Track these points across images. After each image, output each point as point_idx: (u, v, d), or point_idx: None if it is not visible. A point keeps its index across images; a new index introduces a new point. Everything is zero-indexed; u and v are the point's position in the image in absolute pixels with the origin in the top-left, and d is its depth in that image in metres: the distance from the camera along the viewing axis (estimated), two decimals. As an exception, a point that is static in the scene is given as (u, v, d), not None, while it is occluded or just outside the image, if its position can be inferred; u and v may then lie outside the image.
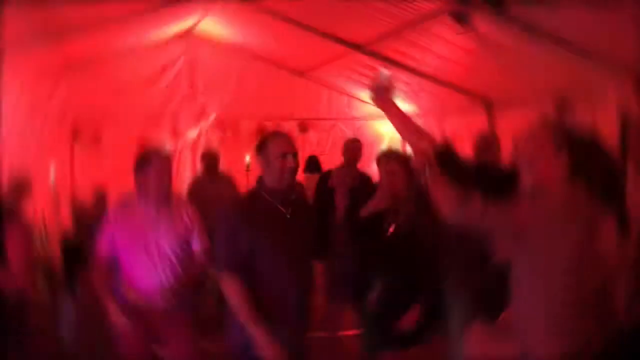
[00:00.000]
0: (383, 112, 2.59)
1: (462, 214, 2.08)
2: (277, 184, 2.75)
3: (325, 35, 6.68)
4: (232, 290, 2.67)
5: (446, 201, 2.13)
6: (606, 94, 5.12)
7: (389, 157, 3.48)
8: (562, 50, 4.83)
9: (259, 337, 2.61)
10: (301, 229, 2.85)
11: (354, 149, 5.47)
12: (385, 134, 9.17)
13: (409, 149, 7.60)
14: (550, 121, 2.15)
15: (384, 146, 8.87)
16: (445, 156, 2.47)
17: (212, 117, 8.35)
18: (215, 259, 2.80)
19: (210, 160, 6.20)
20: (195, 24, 8.14)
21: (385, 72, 2.49)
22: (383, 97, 2.51)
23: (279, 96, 8.85)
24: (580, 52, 4.82)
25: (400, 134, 2.63)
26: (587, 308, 1.96)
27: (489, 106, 7.03)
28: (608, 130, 5.27)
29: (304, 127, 8.73)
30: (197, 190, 6.46)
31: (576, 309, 1.96)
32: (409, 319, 3.28)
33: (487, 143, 4.22)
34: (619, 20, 4.10)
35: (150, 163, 3.21)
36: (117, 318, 3.11)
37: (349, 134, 8.68)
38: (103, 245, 3.24)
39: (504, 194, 2.23)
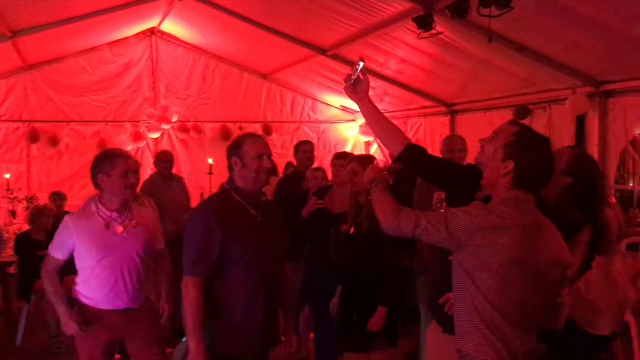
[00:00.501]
0: (357, 104, 2.56)
1: (395, 226, 2.10)
2: (251, 185, 2.70)
3: (290, 38, 6.69)
4: (190, 297, 2.60)
5: (381, 213, 2.14)
6: (563, 99, 5.28)
7: (350, 158, 3.49)
8: (522, 57, 4.95)
9: (195, 352, 2.57)
10: (272, 232, 2.82)
11: (306, 151, 5.46)
12: (350, 137, 9.23)
13: (373, 150, 7.60)
14: (510, 127, 2.12)
15: (348, 148, 8.95)
16: (415, 153, 2.50)
17: (175, 119, 8.25)
18: (183, 262, 2.74)
19: (163, 161, 6.11)
20: (158, 25, 8.06)
21: (361, 63, 2.45)
22: (357, 88, 2.49)
23: (242, 98, 8.83)
24: (539, 59, 4.95)
25: (372, 128, 2.62)
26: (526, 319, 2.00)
27: (451, 109, 7.15)
28: (566, 133, 5.47)
29: (267, 130, 8.71)
30: (149, 191, 6.36)
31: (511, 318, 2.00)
32: (376, 321, 3.29)
33: (454, 144, 4.28)
34: (577, 30, 4.23)
35: (114, 164, 3.12)
36: (69, 322, 3.02)
37: (313, 137, 8.71)
38: (59, 248, 3.15)
39: (468, 194, 2.27)
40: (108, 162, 3.09)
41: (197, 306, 2.61)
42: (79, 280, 3.16)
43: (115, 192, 3.10)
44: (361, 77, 2.45)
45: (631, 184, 6.19)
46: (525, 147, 2.09)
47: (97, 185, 3.12)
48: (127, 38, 8.21)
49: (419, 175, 2.66)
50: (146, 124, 8.27)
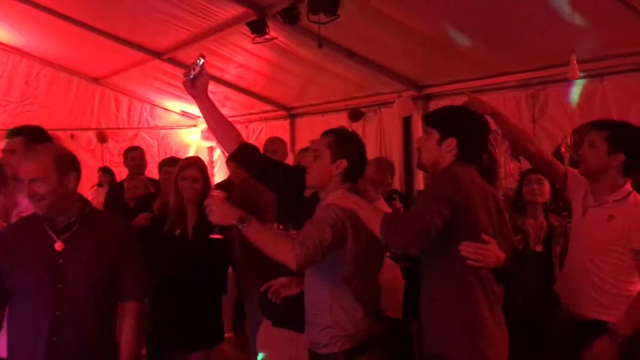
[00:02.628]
0: (194, 100, 2.53)
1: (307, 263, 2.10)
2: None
3: (122, 41, 6.39)
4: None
5: (281, 254, 2.08)
6: (391, 102, 5.66)
7: (190, 165, 3.44)
8: (352, 63, 5.22)
9: None
10: (76, 265, 2.54)
11: (133, 158, 5.29)
12: (192, 142, 9.05)
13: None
14: (324, 137, 2.31)
15: (191, 154, 8.75)
16: (248, 152, 2.55)
17: (-5, 127, 7.48)
18: None
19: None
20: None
21: (201, 59, 2.42)
22: (196, 84, 2.45)
23: (73, 104, 8.26)
24: (368, 65, 5.25)
25: (209, 125, 2.62)
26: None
27: (290, 113, 7.31)
28: (394, 133, 5.86)
29: (102, 137, 8.24)
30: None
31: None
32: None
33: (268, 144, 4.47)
34: (399, 38, 4.56)
35: None
36: None
37: (153, 144, 8.43)
38: None
39: (296, 193, 2.40)
40: None
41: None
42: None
43: None
44: (201, 73, 2.44)
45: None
46: (349, 145, 2.29)
47: None
48: None
49: (251, 173, 2.70)
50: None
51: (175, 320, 3.19)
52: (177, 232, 3.24)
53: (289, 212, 2.47)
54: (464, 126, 2.19)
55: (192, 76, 2.44)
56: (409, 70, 5.31)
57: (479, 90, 4.88)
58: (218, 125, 2.58)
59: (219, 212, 2.14)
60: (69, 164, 2.22)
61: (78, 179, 2.26)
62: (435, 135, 2.18)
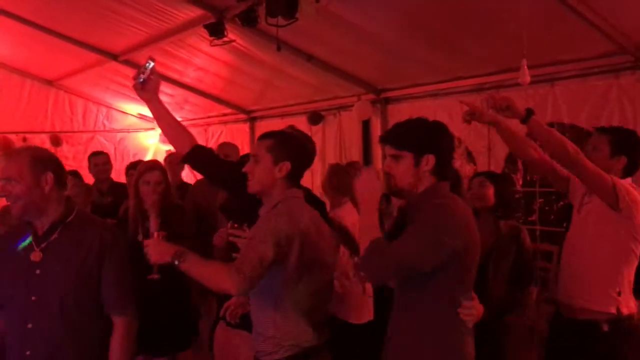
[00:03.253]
0: (147, 105, 2.51)
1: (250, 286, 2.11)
2: None
3: (77, 42, 6.25)
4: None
5: (219, 283, 2.07)
6: (350, 105, 5.70)
7: (152, 168, 3.41)
8: (311, 66, 5.23)
9: None
10: (52, 276, 2.50)
11: (97, 164, 5.21)
12: (150, 145, 8.92)
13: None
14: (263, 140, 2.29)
15: (149, 157, 8.62)
16: (201, 154, 2.55)
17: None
18: None
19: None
20: None
21: (151, 62, 2.40)
22: (147, 87, 2.43)
23: (25, 107, 8.04)
24: (326, 68, 5.28)
25: (161, 128, 2.60)
26: None
27: (250, 116, 7.28)
28: (354, 136, 5.90)
29: (56, 141, 8.04)
30: None
31: None
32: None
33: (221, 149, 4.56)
34: (357, 41, 4.60)
35: None
36: None
37: (110, 147, 8.26)
38: None
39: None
40: None
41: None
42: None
43: None
44: (151, 76, 2.43)
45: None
46: (290, 145, 2.26)
47: None
48: None
49: (204, 175, 2.70)
50: None
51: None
52: (139, 237, 3.17)
53: (243, 211, 2.46)
54: (438, 140, 2.10)
55: (141, 79, 2.43)
56: (368, 74, 5.36)
57: (435, 94, 4.98)
58: (170, 129, 2.58)
59: (155, 252, 2.14)
60: (45, 166, 2.18)
61: (58, 181, 2.21)
62: (408, 156, 2.07)
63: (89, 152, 8.11)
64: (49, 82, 8.13)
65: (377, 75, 5.37)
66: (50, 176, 2.17)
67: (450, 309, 2.06)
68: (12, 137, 7.75)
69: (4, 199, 2.20)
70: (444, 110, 4.70)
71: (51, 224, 2.19)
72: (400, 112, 5.25)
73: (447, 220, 1.99)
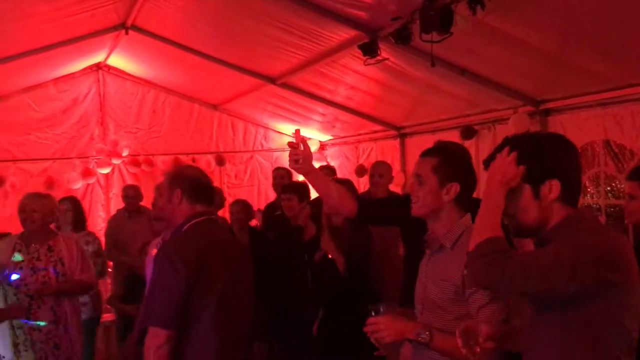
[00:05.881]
0: (305, 177, 2.63)
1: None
2: None
3: (239, 68, 6.74)
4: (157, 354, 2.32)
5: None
6: (506, 118, 5.49)
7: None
8: (464, 80, 5.14)
9: None
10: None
11: (275, 177, 5.49)
12: (303, 164, 9.28)
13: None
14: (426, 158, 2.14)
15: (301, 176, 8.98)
16: (367, 206, 2.62)
17: (125, 153, 8.12)
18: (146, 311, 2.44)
19: (128, 196, 6.06)
20: (105, 59, 7.98)
21: (298, 134, 2.50)
22: (302, 161, 2.47)
23: (193, 130, 8.80)
24: (481, 81, 5.15)
25: (322, 196, 2.68)
26: None
27: (400, 132, 7.31)
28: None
29: (220, 161, 8.69)
30: (112, 226, 6.26)
31: None
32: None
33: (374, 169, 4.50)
34: (513, 53, 4.44)
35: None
36: None
37: (267, 166, 8.74)
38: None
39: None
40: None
41: None
42: None
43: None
44: (302, 147, 2.48)
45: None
46: (458, 164, 2.11)
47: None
48: (72, 73, 8.09)
49: (378, 225, 2.80)
50: (95, 160, 8.12)
51: None
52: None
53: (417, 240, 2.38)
54: (562, 160, 1.71)
55: (300, 160, 2.49)
56: (525, 85, 5.13)
57: (603, 103, 4.63)
58: (331, 194, 2.63)
59: (389, 332, 1.96)
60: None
61: (186, 196, 2.57)
62: (527, 188, 1.70)
63: (249, 170, 8.71)
64: (214, 107, 8.83)
65: (535, 86, 5.12)
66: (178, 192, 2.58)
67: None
68: (183, 158, 8.52)
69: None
70: (614, 120, 4.36)
71: None
72: (563, 124, 4.95)
73: (603, 247, 1.61)
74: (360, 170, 7.71)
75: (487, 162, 1.81)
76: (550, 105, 5.17)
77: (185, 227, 2.47)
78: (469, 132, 5.96)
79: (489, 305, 1.89)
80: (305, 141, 2.50)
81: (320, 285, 3.77)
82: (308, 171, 2.55)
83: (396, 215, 2.60)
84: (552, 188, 1.69)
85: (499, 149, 1.78)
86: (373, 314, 2.11)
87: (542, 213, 1.71)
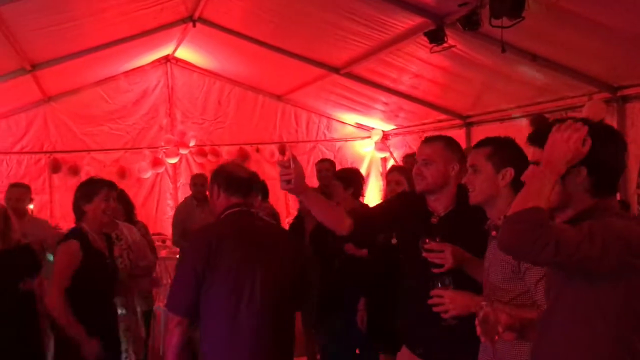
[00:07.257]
0: (299, 197, 2.66)
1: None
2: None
3: (302, 58, 6.75)
4: (174, 342, 2.46)
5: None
6: (580, 106, 5.25)
7: (390, 168, 3.68)
8: (535, 66, 4.95)
9: None
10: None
11: (320, 170, 5.48)
12: (366, 154, 9.25)
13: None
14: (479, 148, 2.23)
15: (364, 165, 8.95)
16: (360, 225, 2.59)
17: (192, 143, 8.33)
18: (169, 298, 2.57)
19: (196, 185, 6.21)
20: (173, 52, 8.19)
21: (289, 152, 2.41)
22: (295, 181, 2.33)
23: (258, 120, 8.91)
24: (553, 67, 4.94)
25: (317, 215, 2.60)
26: None
27: (466, 122, 7.14)
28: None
29: (283, 150, 8.76)
30: (182, 214, 6.43)
31: None
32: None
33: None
34: (589, 37, 4.24)
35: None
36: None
37: (330, 156, 8.74)
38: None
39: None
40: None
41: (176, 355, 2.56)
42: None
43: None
44: (292, 165, 2.34)
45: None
46: (510, 151, 2.18)
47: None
48: (142, 66, 8.35)
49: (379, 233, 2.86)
50: (164, 150, 8.37)
51: None
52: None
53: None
54: (599, 150, 1.68)
55: (291, 181, 2.34)
56: (601, 71, 4.89)
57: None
58: (326, 213, 2.60)
59: (454, 304, 2.10)
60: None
61: (222, 189, 2.68)
62: (583, 170, 1.70)
63: (312, 160, 8.72)
64: (278, 97, 8.90)
65: (612, 72, 4.87)
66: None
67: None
68: (247, 148, 8.65)
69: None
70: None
71: None
72: (642, 111, 4.71)
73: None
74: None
75: (537, 137, 1.79)
76: (628, 92, 4.91)
77: (221, 217, 2.63)
78: (540, 120, 5.74)
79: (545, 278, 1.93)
80: (296, 159, 2.38)
81: (357, 274, 3.95)
82: (301, 191, 2.47)
83: (390, 221, 2.66)
84: (581, 172, 1.70)
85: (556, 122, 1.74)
86: (439, 285, 2.15)
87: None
